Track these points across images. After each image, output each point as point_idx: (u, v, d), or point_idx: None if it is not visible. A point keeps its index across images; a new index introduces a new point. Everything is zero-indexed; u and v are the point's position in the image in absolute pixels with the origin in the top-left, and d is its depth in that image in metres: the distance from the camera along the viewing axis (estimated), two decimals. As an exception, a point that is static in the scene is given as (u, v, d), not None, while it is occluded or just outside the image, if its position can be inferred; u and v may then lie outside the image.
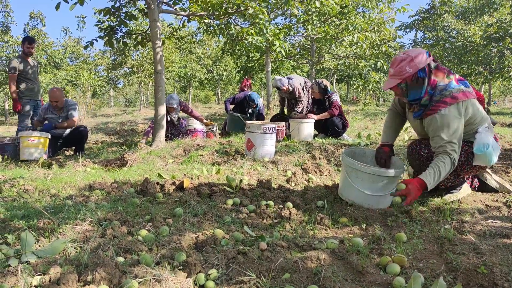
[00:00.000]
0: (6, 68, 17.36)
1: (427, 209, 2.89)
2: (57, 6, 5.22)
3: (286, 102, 7.77)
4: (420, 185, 2.68)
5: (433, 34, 22.54)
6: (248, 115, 7.92)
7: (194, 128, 6.70)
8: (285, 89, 7.12)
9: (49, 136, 5.68)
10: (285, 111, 7.86)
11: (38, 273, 1.83)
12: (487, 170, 3.39)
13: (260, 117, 8.09)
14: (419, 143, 3.13)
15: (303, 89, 7.38)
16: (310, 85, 7.02)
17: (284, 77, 7.32)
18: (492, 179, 3.37)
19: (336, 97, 6.60)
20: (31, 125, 6.40)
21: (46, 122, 6.17)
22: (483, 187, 3.39)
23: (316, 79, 6.73)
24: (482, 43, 17.25)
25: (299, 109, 7.27)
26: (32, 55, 6.74)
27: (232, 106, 8.24)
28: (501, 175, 3.95)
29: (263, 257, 2.03)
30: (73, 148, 6.54)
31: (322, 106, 6.63)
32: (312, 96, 6.67)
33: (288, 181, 3.84)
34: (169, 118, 7.09)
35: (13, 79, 6.39)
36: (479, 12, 20.92)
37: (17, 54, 17.33)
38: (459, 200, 3.10)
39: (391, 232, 2.47)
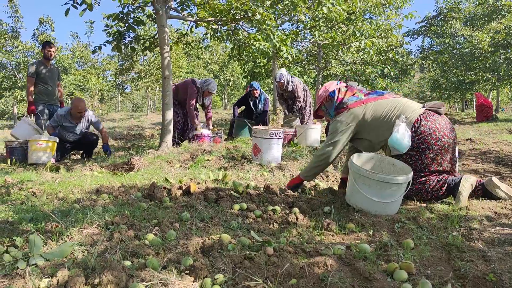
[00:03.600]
0: (15, 73, 17.57)
1: (435, 216, 2.87)
2: (67, 12, 5.27)
3: (284, 101, 7.78)
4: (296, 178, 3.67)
5: (440, 40, 22.43)
6: (253, 108, 7.86)
7: (201, 133, 6.72)
8: (281, 83, 7.19)
9: (57, 140, 5.73)
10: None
11: (46, 276, 1.83)
12: (496, 182, 3.34)
13: (263, 114, 7.99)
14: None
15: (303, 89, 7.45)
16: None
17: (288, 74, 7.38)
18: (501, 191, 3.31)
19: None
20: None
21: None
22: (489, 196, 3.34)
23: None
24: (490, 50, 17.15)
25: (297, 107, 7.33)
26: (51, 58, 6.83)
27: (240, 109, 8.23)
28: (510, 181, 3.93)
29: (270, 262, 2.03)
30: (81, 152, 6.59)
31: None
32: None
33: (294, 186, 3.83)
34: (200, 102, 7.09)
35: (29, 82, 6.51)
36: (487, 19, 20.80)
37: (26, 59, 17.56)
38: (467, 207, 3.08)
39: (398, 238, 2.46)
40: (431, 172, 3.25)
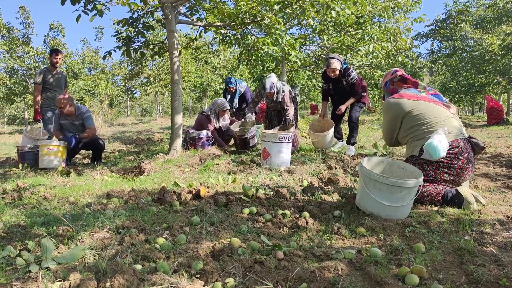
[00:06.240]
0: (26, 79, 17.79)
1: (446, 220, 2.85)
2: (78, 18, 5.33)
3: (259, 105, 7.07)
4: None
5: (450, 43, 22.31)
6: (230, 104, 7.71)
7: (198, 134, 6.42)
8: (272, 93, 6.35)
9: (66, 144, 5.77)
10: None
11: (58, 279, 1.85)
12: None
13: (245, 102, 7.85)
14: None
15: (291, 99, 6.65)
16: (327, 63, 6.01)
17: (279, 82, 6.57)
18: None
19: (354, 74, 5.98)
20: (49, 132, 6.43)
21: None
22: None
23: (331, 54, 6.05)
24: (500, 53, 17.02)
25: (290, 116, 6.54)
26: (58, 65, 6.89)
27: None
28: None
29: (280, 266, 2.02)
30: (90, 156, 6.63)
31: (340, 84, 6.06)
32: (332, 75, 5.92)
33: (304, 190, 3.82)
34: (217, 126, 6.83)
35: (36, 90, 6.60)
36: (497, 21, 20.65)
37: (36, 65, 17.78)
38: (479, 211, 3.05)
39: (409, 242, 2.44)
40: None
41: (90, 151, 6.68)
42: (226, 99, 7.80)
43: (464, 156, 3.25)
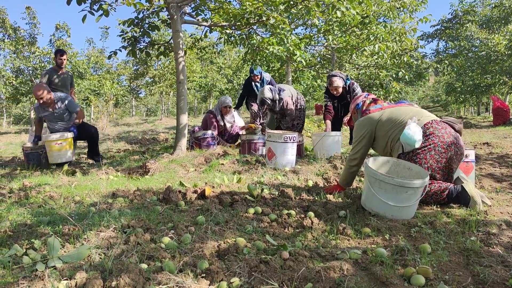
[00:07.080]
0: (32, 79, 17.88)
1: (452, 221, 2.83)
2: (83, 18, 5.35)
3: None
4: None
5: (455, 43, 22.18)
6: (256, 91, 7.53)
7: (203, 134, 6.37)
8: (267, 106, 6.40)
9: (72, 135, 5.81)
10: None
11: (65, 278, 1.86)
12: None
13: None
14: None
15: (293, 103, 6.50)
16: (329, 81, 5.96)
17: (277, 88, 6.47)
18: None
19: (358, 88, 5.98)
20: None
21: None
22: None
23: (333, 72, 6.07)
24: (506, 53, 16.92)
25: (288, 123, 6.46)
26: (63, 66, 6.93)
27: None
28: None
29: (286, 266, 2.02)
30: (87, 150, 6.63)
31: (345, 100, 6.04)
32: (334, 93, 5.92)
33: (309, 190, 3.82)
34: (221, 123, 6.82)
35: None
36: (503, 21, 20.52)
37: (42, 65, 17.88)
38: (485, 212, 3.03)
39: (415, 243, 2.43)
40: (433, 176, 3.27)
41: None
42: (252, 90, 7.73)
43: (442, 131, 3.26)
